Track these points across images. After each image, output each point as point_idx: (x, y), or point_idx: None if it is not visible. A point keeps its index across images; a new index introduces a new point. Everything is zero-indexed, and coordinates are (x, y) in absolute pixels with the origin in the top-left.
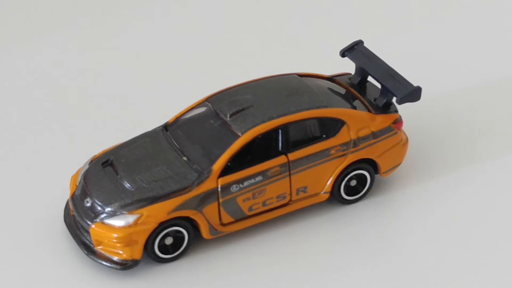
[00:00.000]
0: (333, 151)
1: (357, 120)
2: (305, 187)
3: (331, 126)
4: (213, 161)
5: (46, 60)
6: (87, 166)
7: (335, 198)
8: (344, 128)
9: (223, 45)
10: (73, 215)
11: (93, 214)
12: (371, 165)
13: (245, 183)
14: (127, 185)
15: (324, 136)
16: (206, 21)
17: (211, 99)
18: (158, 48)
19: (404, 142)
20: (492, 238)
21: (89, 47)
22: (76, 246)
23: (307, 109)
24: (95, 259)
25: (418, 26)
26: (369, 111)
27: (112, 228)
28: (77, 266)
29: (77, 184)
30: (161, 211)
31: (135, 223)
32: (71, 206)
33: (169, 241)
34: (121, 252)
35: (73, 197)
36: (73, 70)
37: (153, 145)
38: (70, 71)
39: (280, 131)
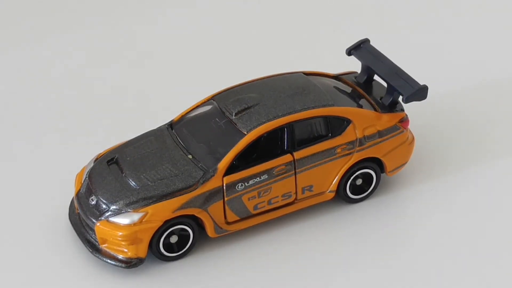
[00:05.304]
0: (338, 150)
1: (363, 119)
2: (311, 186)
3: (337, 125)
4: (218, 160)
5: (49, 58)
6: (92, 164)
7: (340, 197)
8: (350, 127)
9: (229, 43)
10: (78, 213)
11: (98, 212)
12: (377, 164)
13: (251, 182)
14: (132, 183)
15: (329, 134)
16: (210, 18)
17: (216, 97)
18: (162, 47)
19: (410, 141)
20: (499, 238)
21: (94, 45)
22: (81, 244)
23: (313, 107)
24: (100, 257)
25: (425, 24)
26: (375, 109)
27: (117, 226)
28: (82, 264)
29: (82, 182)
30: (166, 209)
31: (140, 221)
32: (76, 204)
33: (174, 239)
34: (126, 250)
35: (78, 195)
36: (78, 68)
37: (158, 143)
38: (75, 69)
39: (285, 129)
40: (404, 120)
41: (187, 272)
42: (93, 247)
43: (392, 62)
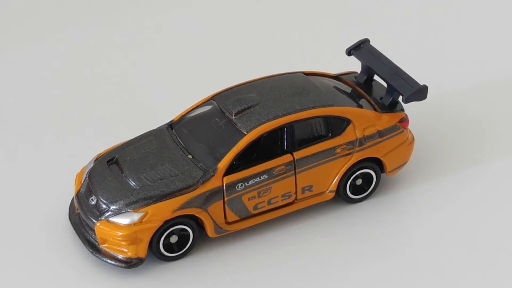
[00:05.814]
0: (338, 150)
1: (363, 119)
2: (311, 186)
3: (336, 125)
4: (218, 160)
5: (49, 57)
6: (92, 164)
7: (340, 197)
8: (350, 127)
9: (229, 42)
10: (78, 213)
11: (98, 212)
12: (377, 164)
13: (251, 182)
14: (132, 183)
15: (329, 134)
16: (211, 18)
17: (216, 97)
18: (162, 47)
19: (410, 141)
20: (499, 238)
21: (94, 45)
22: (81, 244)
23: (313, 107)
24: (100, 257)
25: (425, 24)
26: (375, 110)
27: (117, 226)
28: (82, 264)
29: (82, 182)
30: (166, 209)
31: (140, 221)
32: (76, 204)
33: (174, 239)
34: (126, 250)
35: (78, 195)
36: (78, 68)
37: (158, 143)
38: (75, 69)
39: (285, 129)
40: (404, 120)
41: (187, 272)
42: (93, 247)
43: (392, 62)
